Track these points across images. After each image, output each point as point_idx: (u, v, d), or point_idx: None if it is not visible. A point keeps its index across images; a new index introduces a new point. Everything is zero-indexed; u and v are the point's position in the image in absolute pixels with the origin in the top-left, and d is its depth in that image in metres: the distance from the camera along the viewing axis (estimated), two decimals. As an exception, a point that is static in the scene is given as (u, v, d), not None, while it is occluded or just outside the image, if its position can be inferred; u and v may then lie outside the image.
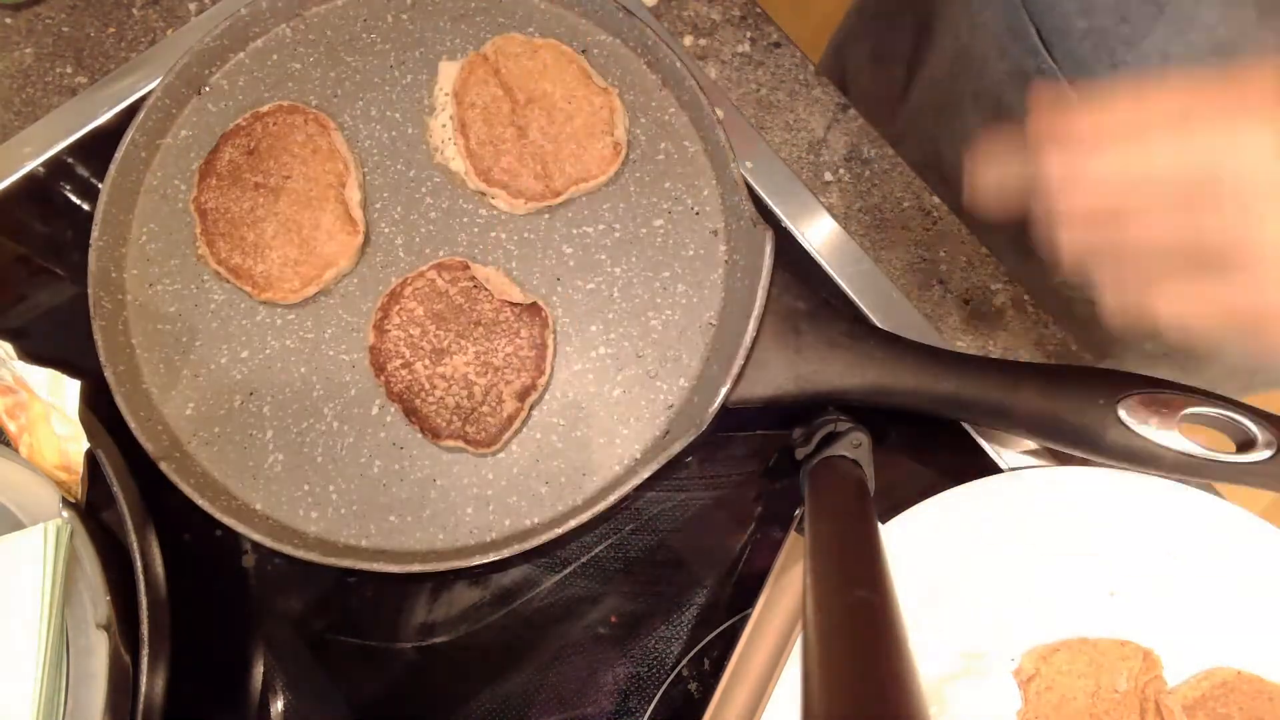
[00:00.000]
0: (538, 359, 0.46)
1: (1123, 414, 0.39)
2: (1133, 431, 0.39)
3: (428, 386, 0.46)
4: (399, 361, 0.46)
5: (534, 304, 0.47)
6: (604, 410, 0.47)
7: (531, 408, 0.46)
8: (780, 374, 0.44)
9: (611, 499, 0.43)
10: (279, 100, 0.50)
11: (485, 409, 0.45)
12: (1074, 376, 0.42)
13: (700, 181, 0.50)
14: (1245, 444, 0.39)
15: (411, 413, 0.46)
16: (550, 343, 0.47)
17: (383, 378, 0.46)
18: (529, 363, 0.46)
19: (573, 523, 0.43)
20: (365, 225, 0.49)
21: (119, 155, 0.48)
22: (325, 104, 0.51)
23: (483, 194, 0.49)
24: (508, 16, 0.52)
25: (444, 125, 0.50)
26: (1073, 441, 0.42)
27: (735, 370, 0.44)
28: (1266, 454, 0.38)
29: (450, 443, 0.45)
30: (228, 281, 0.48)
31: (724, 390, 0.43)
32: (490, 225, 0.49)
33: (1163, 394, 0.39)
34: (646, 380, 0.47)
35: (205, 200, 0.48)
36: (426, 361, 0.46)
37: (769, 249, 0.44)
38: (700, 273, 0.49)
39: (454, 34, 0.52)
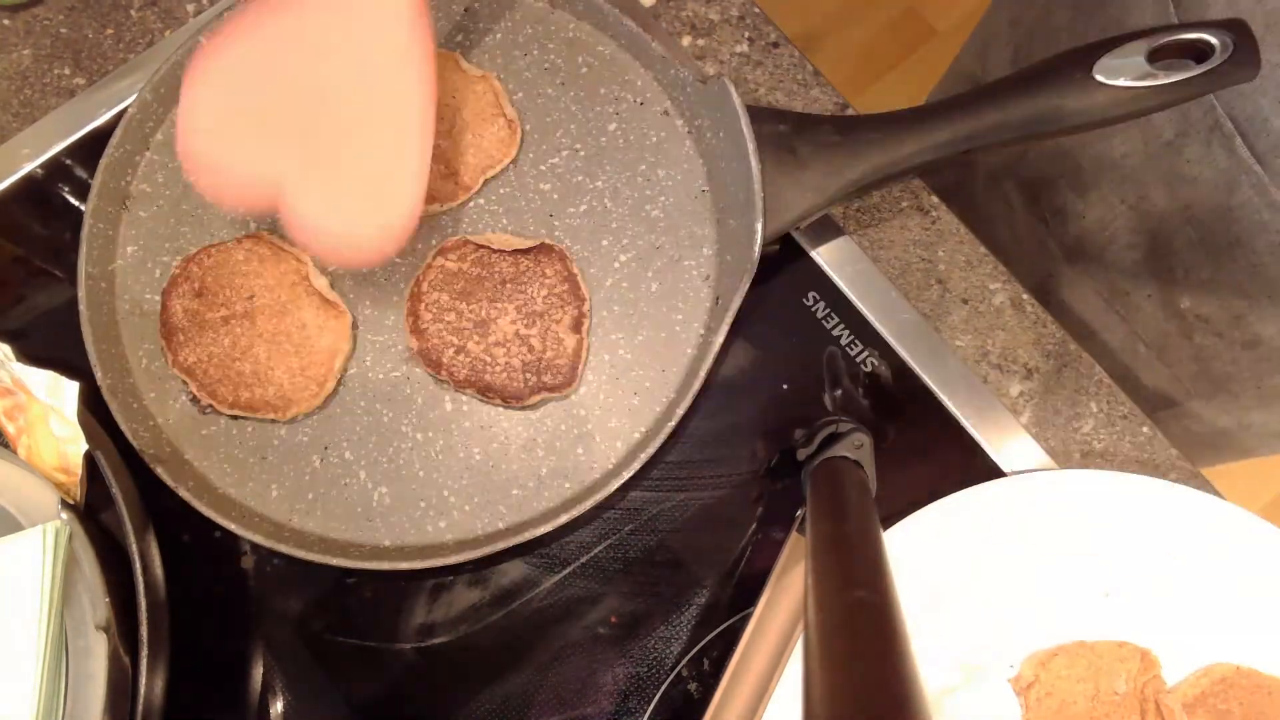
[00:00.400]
0: (573, 289, 0.47)
1: (1100, 77, 0.41)
2: (1113, 86, 0.41)
3: (489, 360, 0.46)
4: (451, 350, 0.47)
5: (543, 244, 0.48)
6: (651, 308, 0.48)
7: (588, 334, 0.47)
8: (796, 194, 0.46)
9: (702, 374, 0.45)
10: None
11: (550, 354, 0.46)
12: (1044, 68, 0.43)
13: (630, 74, 0.52)
14: (1207, 55, 0.41)
15: (485, 390, 0.46)
16: (576, 270, 0.48)
17: (443, 372, 0.46)
18: (566, 295, 0.47)
19: (679, 410, 0.45)
20: (345, 302, 0.48)
21: (81, 294, 0.46)
22: None
23: None
24: None
25: None
26: (1069, 122, 0.43)
27: (760, 204, 0.45)
28: (1227, 52, 0.40)
29: (534, 399, 0.46)
30: (248, 419, 0.47)
31: (759, 225, 0.45)
32: (459, 210, 0.50)
33: (1125, 46, 0.41)
34: (675, 265, 0.49)
35: (184, 359, 0.47)
36: (476, 338, 0.47)
37: (733, 91, 0.46)
38: (671, 152, 0.50)
39: None
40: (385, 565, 0.44)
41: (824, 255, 0.52)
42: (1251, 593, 0.44)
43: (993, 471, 0.49)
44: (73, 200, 0.53)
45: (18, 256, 0.52)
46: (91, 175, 0.48)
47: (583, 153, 0.51)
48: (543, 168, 0.50)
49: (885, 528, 0.44)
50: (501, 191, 0.50)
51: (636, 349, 0.48)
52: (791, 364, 0.50)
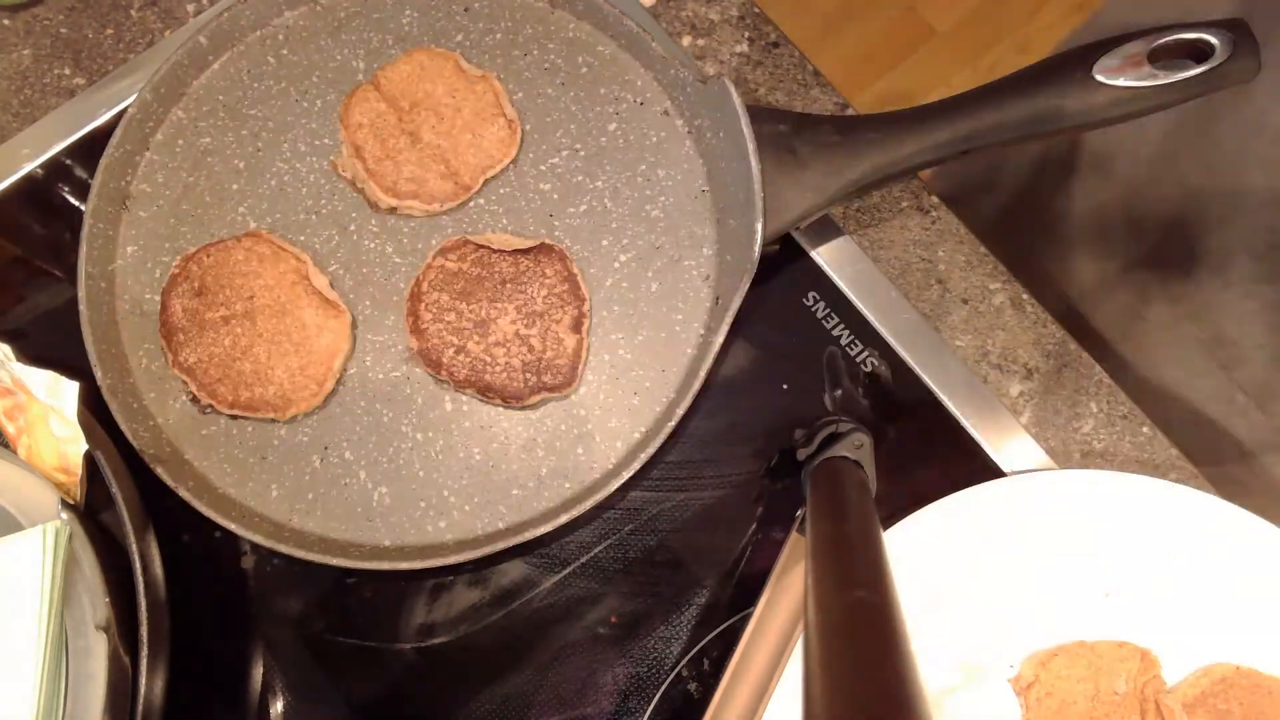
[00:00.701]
0: (573, 289, 0.47)
1: (1100, 77, 0.41)
2: (1113, 85, 0.41)
3: (489, 360, 0.46)
4: (451, 350, 0.47)
5: (542, 243, 0.48)
6: (651, 309, 0.48)
7: (588, 334, 0.47)
8: (796, 194, 0.46)
9: (702, 374, 0.45)
10: (204, 174, 0.50)
11: (550, 354, 0.46)
12: (1044, 68, 0.43)
13: (630, 75, 0.52)
14: (1208, 55, 0.41)
15: (485, 390, 0.46)
16: (576, 270, 0.48)
17: (443, 372, 0.46)
18: (566, 295, 0.47)
19: (679, 410, 0.45)
20: (345, 302, 0.48)
21: (81, 294, 0.46)
22: (252, 160, 0.50)
23: (394, 209, 0.49)
24: (381, 11, 0.53)
25: (348, 156, 0.50)
26: (1069, 122, 0.43)
27: (760, 204, 0.45)
28: (1228, 52, 0.40)
29: (534, 399, 0.46)
30: (248, 419, 0.47)
31: (759, 226, 0.45)
32: (460, 210, 0.50)
33: (1125, 46, 0.42)
34: (674, 265, 0.49)
35: (184, 359, 0.46)
36: (476, 338, 0.47)
37: (734, 91, 0.46)
38: (671, 152, 0.50)
39: (338, 48, 0.52)
40: (385, 565, 0.44)
41: (824, 255, 0.52)
42: (1251, 593, 0.44)
43: (993, 471, 0.49)
44: (73, 200, 0.53)
45: (18, 256, 0.52)
46: (91, 175, 0.48)
47: (583, 153, 0.51)
48: (543, 168, 0.50)
49: (885, 528, 0.44)
50: (501, 191, 0.50)
51: (636, 349, 0.48)
52: (791, 364, 0.50)
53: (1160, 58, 0.41)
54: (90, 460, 0.41)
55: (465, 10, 0.52)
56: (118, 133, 0.48)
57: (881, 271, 0.52)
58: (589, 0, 0.51)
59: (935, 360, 0.50)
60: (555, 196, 0.50)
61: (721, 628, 0.47)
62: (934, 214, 0.54)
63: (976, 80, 0.47)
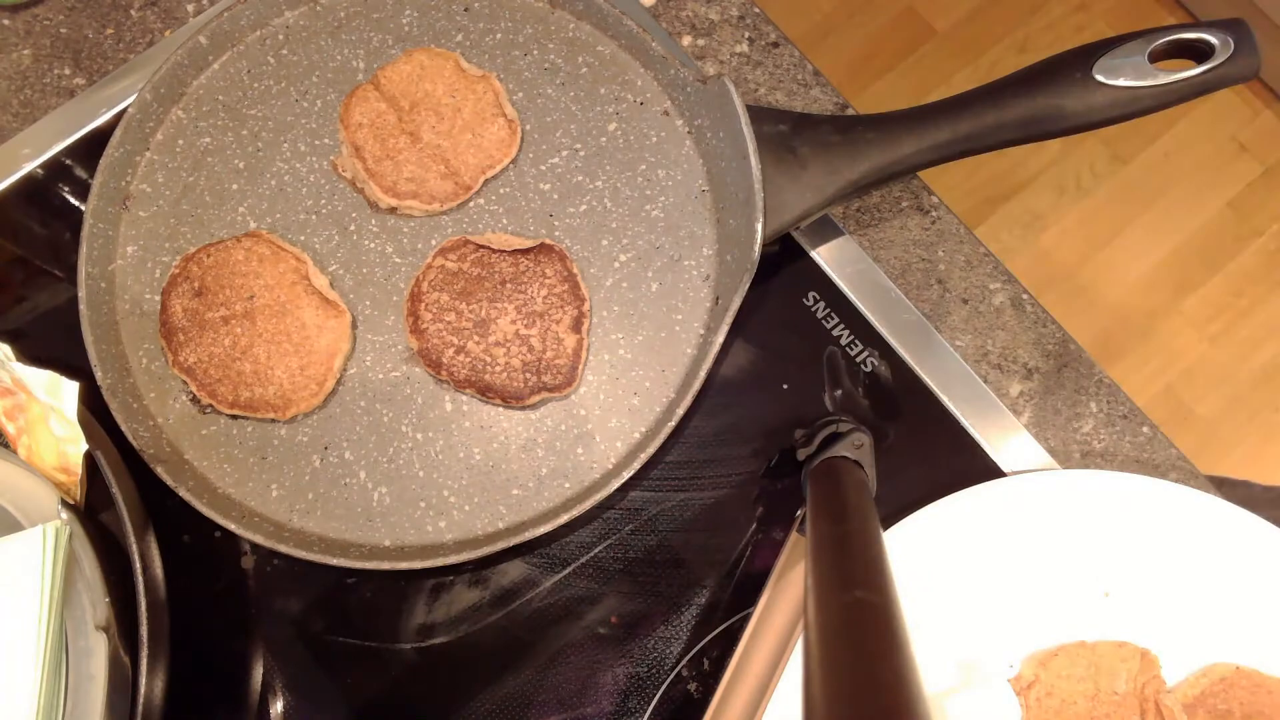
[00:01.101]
0: (573, 289, 0.47)
1: (1100, 77, 0.41)
2: (1113, 85, 0.41)
3: (489, 360, 0.46)
4: (451, 350, 0.47)
5: (542, 243, 0.48)
6: (651, 309, 0.48)
7: (588, 334, 0.47)
8: (796, 194, 0.46)
9: (702, 374, 0.45)
10: (204, 174, 0.50)
11: (550, 354, 0.46)
12: (1044, 68, 0.43)
13: (630, 74, 0.52)
14: (1207, 55, 0.41)
15: (485, 390, 0.46)
16: (576, 270, 0.48)
17: (444, 372, 0.46)
18: (566, 295, 0.47)
19: (679, 410, 0.45)
20: (345, 302, 0.48)
21: (81, 294, 0.46)
22: (252, 160, 0.50)
23: (394, 209, 0.49)
24: (381, 11, 0.53)
25: (348, 156, 0.50)
26: (1069, 122, 0.43)
27: (760, 204, 0.45)
28: (1227, 52, 0.40)
29: (534, 399, 0.46)
30: (248, 419, 0.47)
31: (759, 226, 0.45)
32: (460, 210, 0.50)
33: (1125, 46, 0.42)
34: (674, 265, 0.49)
35: (184, 359, 0.46)
36: (476, 338, 0.47)
37: (734, 91, 0.46)
38: (671, 153, 0.50)
39: (338, 48, 0.52)
40: (385, 565, 0.44)
41: (824, 255, 0.52)
42: (1251, 593, 0.44)
43: (993, 471, 0.49)
44: (73, 200, 0.53)
45: (18, 256, 0.52)
46: (91, 175, 0.48)
47: (583, 153, 0.51)
48: (543, 168, 0.50)
49: (885, 528, 0.44)
50: (501, 191, 0.50)
51: (636, 349, 0.48)
52: (791, 364, 0.50)
53: (1160, 58, 0.41)
54: (90, 460, 0.41)
55: (465, 10, 0.52)
56: (118, 133, 0.48)
57: (882, 271, 0.52)
58: (589, 0, 0.51)
59: (935, 360, 0.50)
60: (555, 196, 0.50)
61: (721, 628, 0.47)
62: (934, 214, 0.54)
63: (976, 80, 0.47)
